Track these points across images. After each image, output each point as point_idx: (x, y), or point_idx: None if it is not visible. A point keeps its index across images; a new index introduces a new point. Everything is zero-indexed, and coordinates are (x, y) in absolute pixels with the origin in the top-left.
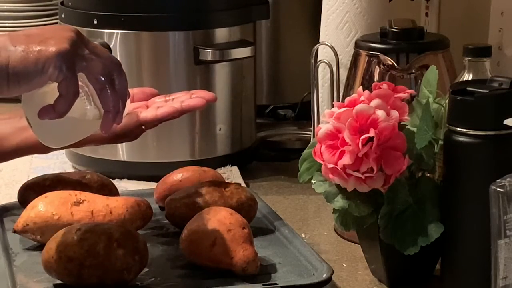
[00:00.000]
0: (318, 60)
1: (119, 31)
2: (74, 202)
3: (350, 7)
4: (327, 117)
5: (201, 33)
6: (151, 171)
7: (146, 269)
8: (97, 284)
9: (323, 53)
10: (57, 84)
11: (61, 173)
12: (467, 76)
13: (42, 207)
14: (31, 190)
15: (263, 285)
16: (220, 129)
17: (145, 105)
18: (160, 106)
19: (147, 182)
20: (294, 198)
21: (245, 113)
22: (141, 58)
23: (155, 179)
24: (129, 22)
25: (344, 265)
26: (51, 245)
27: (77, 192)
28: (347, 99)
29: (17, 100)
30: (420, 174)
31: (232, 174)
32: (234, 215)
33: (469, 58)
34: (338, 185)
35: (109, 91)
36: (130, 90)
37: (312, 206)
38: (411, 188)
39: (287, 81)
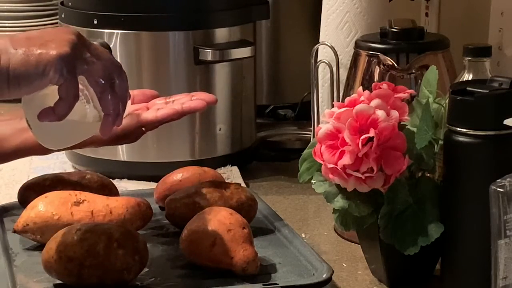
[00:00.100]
0: (318, 60)
1: (119, 31)
2: (74, 202)
3: (350, 7)
4: (327, 117)
5: (201, 33)
6: (151, 171)
7: (146, 269)
8: (97, 284)
9: (323, 53)
10: (57, 86)
11: (61, 173)
12: (467, 76)
13: (42, 207)
14: (31, 190)
15: (263, 285)
16: (220, 129)
17: (145, 106)
18: (160, 108)
19: (147, 182)
20: (294, 198)
21: (245, 113)
22: (141, 58)
23: (155, 179)
24: (129, 22)
25: (344, 265)
26: (51, 245)
27: (77, 192)
28: (347, 99)
29: (17, 100)
30: (420, 174)
31: (232, 174)
32: (234, 215)
33: (469, 58)
34: (338, 185)
35: (109, 95)
36: (131, 92)
37: (312, 206)
38: (411, 188)
39: (287, 81)
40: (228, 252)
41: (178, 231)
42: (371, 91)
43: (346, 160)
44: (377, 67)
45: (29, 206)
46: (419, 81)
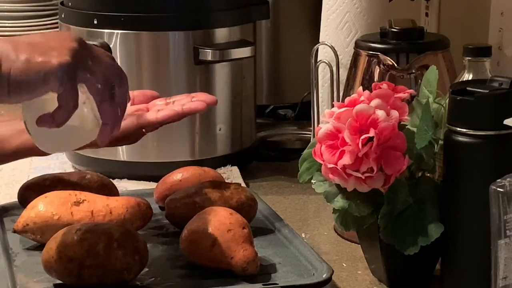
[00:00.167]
0: (318, 60)
1: (119, 31)
2: (74, 202)
3: (350, 7)
4: (327, 117)
5: (201, 33)
6: (151, 171)
7: (146, 269)
8: (97, 284)
9: (323, 53)
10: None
11: (61, 173)
12: (467, 76)
13: (42, 207)
14: (31, 190)
15: (263, 285)
16: (220, 129)
17: (145, 107)
18: (160, 109)
19: (147, 182)
20: (294, 198)
21: (245, 113)
22: (141, 58)
23: (155, 179)
24: (129, 22)
25: (344, 265)
26: (51, 245)
27: (77, 192)
28: (347, 99)
29: None
30: (420, 174)
31: (232, 174)
32: (234, 215)
33: (469, 58)
34: (338, 185)
35: (108, 104)
36: (131, 93)
37: (312, 206)
38: (411, 188)
39: (287, 81)
40: (228, 252)
41: (178, 231)
42: (371, 91)
43: (346, 160)
44: (377, 67)
45: (29, 206)
46: (419, 81)
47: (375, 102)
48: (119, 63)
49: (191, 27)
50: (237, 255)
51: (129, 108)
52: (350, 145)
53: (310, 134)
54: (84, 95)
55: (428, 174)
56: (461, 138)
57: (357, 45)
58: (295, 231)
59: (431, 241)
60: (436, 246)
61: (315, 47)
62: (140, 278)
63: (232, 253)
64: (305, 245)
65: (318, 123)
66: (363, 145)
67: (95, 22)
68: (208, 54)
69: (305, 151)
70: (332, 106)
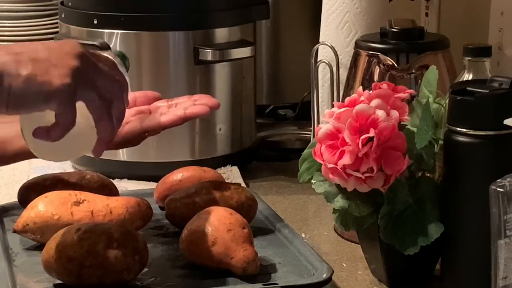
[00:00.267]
0: (318, 60)
1: (119, 31)
2: (74, 202)
3: (350, 7)
4: (327, 117)
5: (201, 33)
6: (151, 171)
7: (146, 269)
8: (97, 284)
9: (323, 53)
10: None
11: (61, 173)
12: (467, 76)
13: (42, 207)
14: (31, 190)
15: (263, 285)
16: (220, 129)
17: (148, 109)
18: (163, 112)
19: (147, 182)
20: (294, 198)
21: (245, 113)
22: (141, 58)
23: (155, 179)
24: (129, 22)
25: (344, 265)
26: (51, 245)
27: (77, 192)
28: (347, 99)
29: None
30: (420, 174)
31: (232, 174)
32: (234, 215)
33: (469, 58)
34: (338, 185)
35: (106, 120)
36: (133, 94)
37: (312, 206)
38: (411, 188)
39: (287, 81)
40: (228, 252)
41: (178, 231)
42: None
43: (346, 160)
44: (377, 67)
45: (29, 206)
46: (419, 81)
47: (375, 102)
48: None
49: (191, 27)
50: (237, 255)
51: (131, 110)
52: (350, 145)
53: (310, 134)
54: (82, 107)
55: (428, 174)
56: (461, 138)
57: (357, 45)
58: (295, 231)
59: (431, 241)
60: (436, 246)
61: (315, 47)
62: (140, 278)
63: (232, 253)
64: (305, 245)
65: (318, 123)
66: (363, 145)
67: (95, 22)
68: (208, 54)
69: (305, 151)
70: (332, 106)
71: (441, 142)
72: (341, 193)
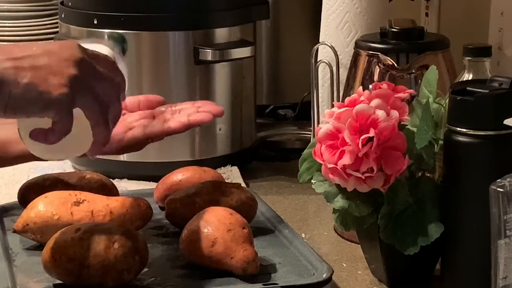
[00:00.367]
0: (318, 60)
1: (119, 31)
2: (74, 202)
3: (350, 7)
4: (327, 117)
5: (201, 33)
6: (151, 171)
7: (146, 269)
8: (97, 284)
9: (323, 53)
10: None
11: (61, 173)
12: (467, 76)
13: (42, 207)
14: (31, 190)
15: (263, 285)
16: (220, 129)
17: (151, 114)
18: (167, 119)
19: (147, 182)
20: (294, 198)
21: (245, 113)
22: (141, 58)
23: (155, 179)
24: (129, 22)
25: (344, 265)
26: (51, 245)
27: (77, 192)
28: (347, 99)
29: None
30: (420, 174)
31: (232, 174)
32: (234, 215)
33: (469, 58)
34: (338, 185)
35: (102, 125)
36: (136, 98)
37: (312, 206)
38: (411, 188)
39: (287, 81)
40: (228, 252)
41: (178, 231)
42: (371, 91)
43: (346, 160)
44: (377, 67)
45: (29, 206)
46: (419, 81)
47: (375, 102)
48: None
49: (191, 27)
50: (237, 255)
51: (135, 115)
52: (350, 145)
53: (310, 134)
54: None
55: (428, 174)
56: (461, 138)
57: (357, 45)
58: (295, 231)
59: (431, 241)
60: (436, 246)
61: (315, 47)
62: (140, 278)
63: (232, 253)
64: (305, 245)
65: (318, 123)
66: (363, 145)
67: (95, 22)
68: (208, 54)
69: (305, 151)
70: (332, 106)
71: (441, 142)
72: (341, 193)
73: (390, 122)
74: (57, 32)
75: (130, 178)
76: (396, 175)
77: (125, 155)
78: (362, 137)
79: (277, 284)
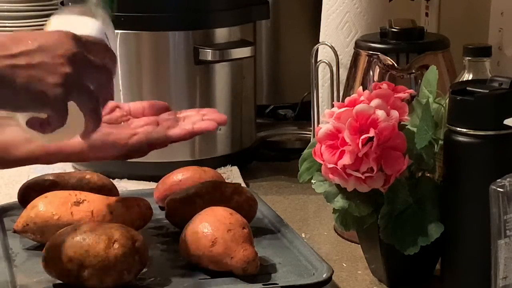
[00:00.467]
0: (318, 60)
1: (119, 31)
2: (74, 202)
3: (350, 7)
4: (327, 117)
5: (201, 33)
6: (151, 171)
7: (146, 269)
8: (97, 284)
9: (323, 53)
10: None
11: (61, 173)
12: (467, 76)
13: (42, 207)
14: (31, 190)
15: (263, 285)
16: (220, 129)
17: (155, 120)
18: (171, 126)
19: (147, 182)
20: (294, 198)
21: (245, 113)
22: (141, 58)
23: (155, 179)
24: (129, 22)
25: (344, 265)
26: (51, 245)
27: (77, 192)
28: (347, 99)
29: None
30: (420, 174)
31: (232, 174)
32: (234, 215)
33: (469, 58)
34: (338, 185)
35: (95, 115)
36: (140, 104)
37: (312, 206)
38: (411, 188)
39: (287, 81)
40: (228, 252)
41: (178, 231)
42: (371, 91)
43: (346, 160)
44: (377, 67)
45: (29, 206)
46: (419, 81)
47: (375, 102)
48: (119, 63)
49: (191, 27)
50: (237, 255)
51: (139, 121)
52: (350, 145)
53: (310, 134)
54: None
55: (428, 174)
56: (461, 138)
57: (357, 45)
58: (295, 231)
59: (431, 241)
60: (436, 246)
61: (315, 47)
62: (140, 278)
63: (232, 253)
64: (305, 245)
65: (318, 123)
66: (363, 145)
67: None
68: (208, 54)
69: (305, 151)
70: (332, 106)
71: (441, 142)
72: (341, 193)
73: (390, 122)
74: None
75: (130, 178)
76: (396, 175)
77: None
78: (362, 137)
79: (277, 284)
